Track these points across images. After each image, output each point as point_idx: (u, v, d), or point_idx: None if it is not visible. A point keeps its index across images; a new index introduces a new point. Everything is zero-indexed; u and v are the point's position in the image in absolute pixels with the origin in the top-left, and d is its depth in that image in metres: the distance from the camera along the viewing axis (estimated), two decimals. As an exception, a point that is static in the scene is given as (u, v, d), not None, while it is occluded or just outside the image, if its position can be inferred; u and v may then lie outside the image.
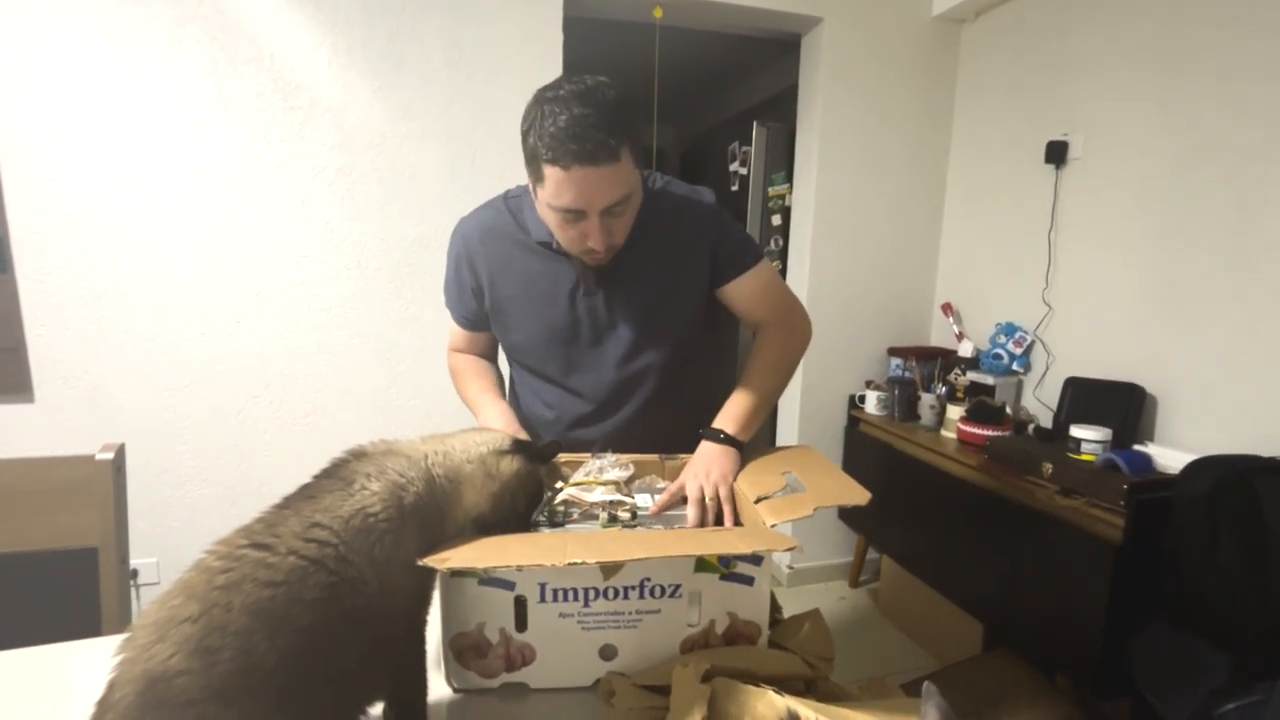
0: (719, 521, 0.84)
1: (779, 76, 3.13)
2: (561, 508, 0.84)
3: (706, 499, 0.85)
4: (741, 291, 1.01)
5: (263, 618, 0.46)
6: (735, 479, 0.89)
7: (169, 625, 0.44)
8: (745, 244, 1.03)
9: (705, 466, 0.89)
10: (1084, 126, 1.90)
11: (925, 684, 0.49)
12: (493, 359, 1.15)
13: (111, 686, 0.43)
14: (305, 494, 0.56)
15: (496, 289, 1.01)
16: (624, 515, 0.83)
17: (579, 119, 0.78)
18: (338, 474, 0.58)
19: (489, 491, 0.69)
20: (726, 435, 0.92)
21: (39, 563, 0.94)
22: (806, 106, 2.37)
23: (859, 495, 0.75)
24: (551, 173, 0.81)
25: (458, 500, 0.66)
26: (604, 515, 0.83)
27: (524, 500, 0.73)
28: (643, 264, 0.97)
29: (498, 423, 0.96)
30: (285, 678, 0.46)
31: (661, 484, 0.94)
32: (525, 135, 0.83)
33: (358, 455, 0.62)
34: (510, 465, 0.71)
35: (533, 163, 0.83)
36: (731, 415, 0.95)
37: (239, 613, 0.45)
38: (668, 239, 0.97)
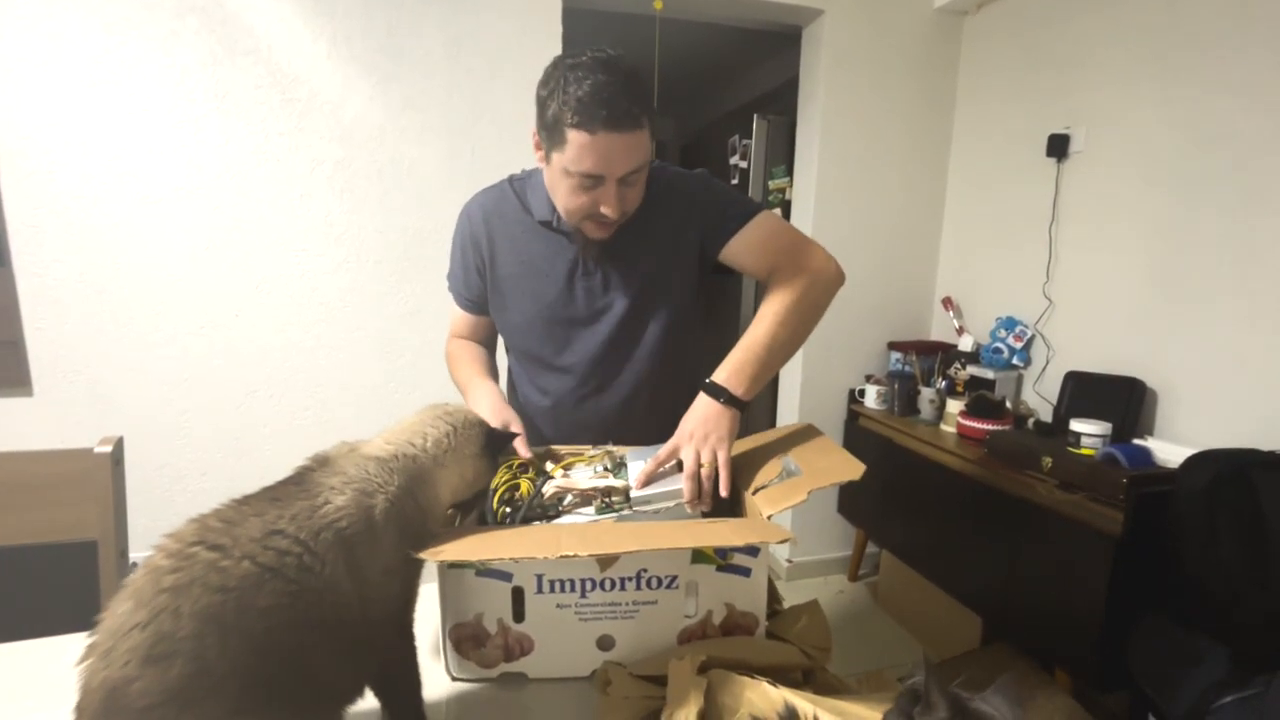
0: (716, 490, 0.81)
1: (780, 69, 3.11)
2: (553, 498, 0.82)
3: (703, 468, 0.79)
4: (742, 246, 0.97)
5: (213, 623, 0.44)
6: (733, 442, 0.84)
7: (119, 634, 0.43)
8: (736, 200, 1.00)
9: (703, 429, 0.83)
10: (1086, 119, 1.89)
11: (1006, 675, 0.48)
12: (492, 348, 1.15)
13: (82, 692, 0.43)
14: (270, 496, 0.54)
15: (497, 267, 1.02)
16: (616, 500, 0.81)
17: (605, 85, 0.79)
18: (303, 482, 0.56)
19: (462, 484, 0.69)
20: (729, 395, 0.85)
21: (38, 556, 0.94)
22: (807, 99, 2.36)
23: (853, 470, 0.73)
24: (576, 137, 0.81)
25: (435, 497, 0.65)
26: (598, 501, 0.82)
27: (485, 486, 0.75)
28: (638, 242, 0.97)
29: (485, 402, 0.94)
30: (243, 682, 0.45)
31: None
32: (545, 100, 0.83)
33: (321, 463, 0.59)
34: (480, 464, 0.71)
35: (554, 128, 0.83)
36: (734, 369, 0.87)
37: (188, 618, 0.44)
38: (661, 216, 0.98)
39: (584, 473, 0.86)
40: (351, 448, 0.62)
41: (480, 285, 1.05)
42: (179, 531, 0.49)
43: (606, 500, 0.81)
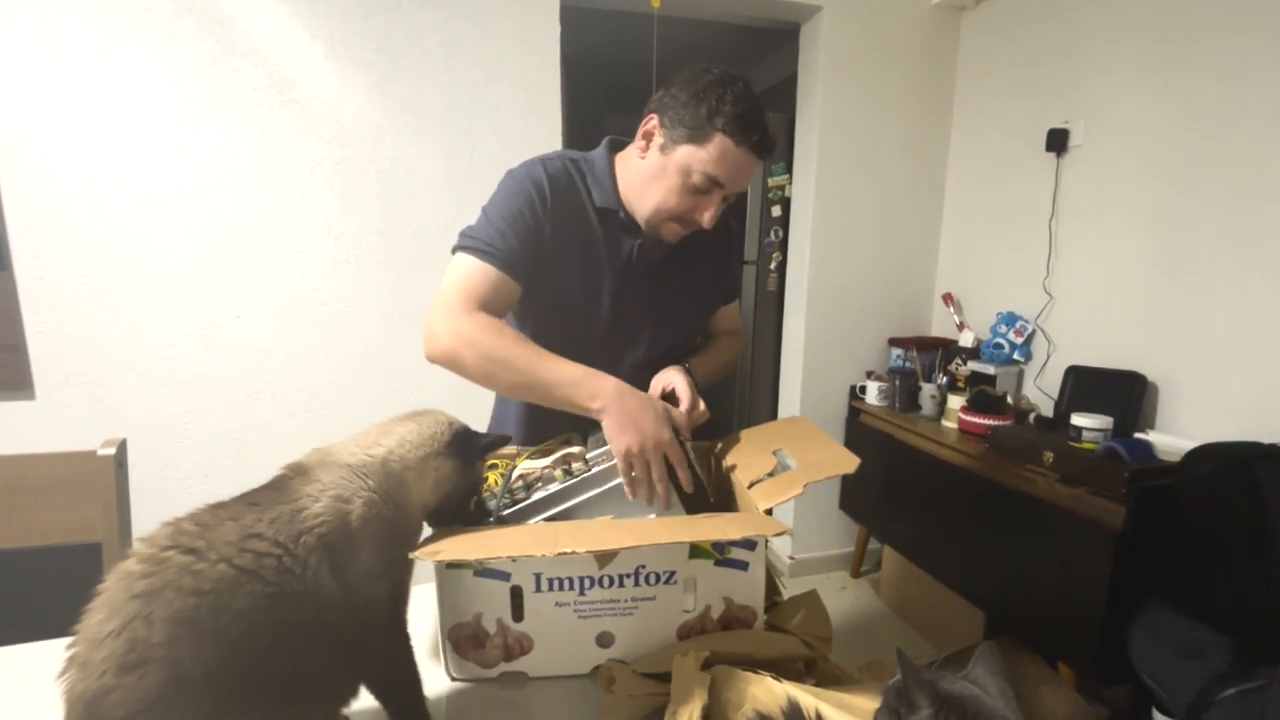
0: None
1: (778, 66, 3.11)
2: (519, 483, 0.82)
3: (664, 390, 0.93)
4: (725, 314, 1.16)
5: (186, 627, 0.44)
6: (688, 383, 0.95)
7: (94, 643, 0.43)
8: (737, 277, 1.20)
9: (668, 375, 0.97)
10: (1085, 114, 1.88)
11: (983, 644, 0.49)
12: None
13: (65, 705, 0.43)
14: (247, 501, 0.54)
15: (555, 244, 0.94)
16: (577, 466, 0.83)
17: (759, 113, 0.87)
18: (281, 488, 0.56)
19: (435, 492, 0.67)
20: (689, 367, 1.00)
21: (42, 558, 0.94)
22: (806, 96, 2.35)
23: (848, 463, 0.74)
24: (723, 143, 0.85)
25: (408, 500, 0.63)
26: (559, 472, 0.82)
27: (462, 493, 0.71)
28: (687, 259, 1.01)
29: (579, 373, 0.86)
30: (222, 685, 0.44)
31: None
32: (689, 99, 0.86)
33: (298, 471, 0.59)
34: (446, 466, 0.67)
35: (700, 126, 0.86)
36: (700, 364, 1.06)
37: (160, 624, 0.43)
38: (709, 246, 1.02)
39: (546, 459, 0.87)
40: (324, 455, 0.62)
41: (527, 251, 0.92)
42: (152, 535, 0.49)
43: (566, 469, 0.83)
